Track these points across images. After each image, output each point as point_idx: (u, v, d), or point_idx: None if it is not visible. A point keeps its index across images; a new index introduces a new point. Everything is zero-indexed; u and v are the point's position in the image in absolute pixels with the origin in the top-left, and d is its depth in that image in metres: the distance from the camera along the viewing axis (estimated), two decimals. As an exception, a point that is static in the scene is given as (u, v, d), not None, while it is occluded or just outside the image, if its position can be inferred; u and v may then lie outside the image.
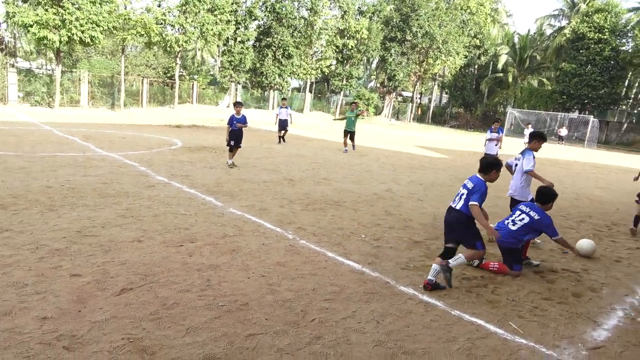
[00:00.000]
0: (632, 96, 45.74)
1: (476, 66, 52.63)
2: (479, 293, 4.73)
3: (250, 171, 10.60)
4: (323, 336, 3.57)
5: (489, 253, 5.67)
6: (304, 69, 38.34)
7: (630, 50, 41.76)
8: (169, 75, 36.08)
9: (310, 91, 45.07)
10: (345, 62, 42.23)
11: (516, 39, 52.49)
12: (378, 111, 47.71)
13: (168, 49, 29.15)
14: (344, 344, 3.49)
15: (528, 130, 27.27)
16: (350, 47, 40.11)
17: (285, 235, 6.04)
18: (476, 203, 4.68)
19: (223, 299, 4.03)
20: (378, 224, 7.02)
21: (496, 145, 13.63)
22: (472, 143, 28.21)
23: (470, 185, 4.84)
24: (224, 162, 11.21)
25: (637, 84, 44.64)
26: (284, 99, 19.91)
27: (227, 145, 11.03)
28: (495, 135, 13.67)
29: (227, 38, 32.80)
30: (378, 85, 52.13)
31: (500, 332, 3.93)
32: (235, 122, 10.98)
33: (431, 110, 54.73)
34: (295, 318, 3.82)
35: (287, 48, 35.78)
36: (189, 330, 3.47)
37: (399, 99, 55.50)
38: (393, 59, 44.10)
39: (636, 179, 8.54)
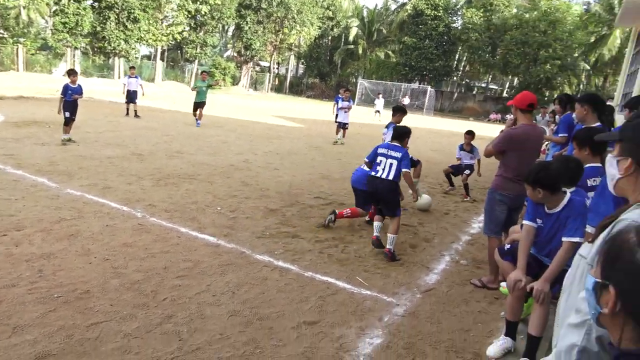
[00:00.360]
0: (461, 68, 51.86)
1: (330, 37, 54.49)
2: (330, 253, 5.02)
3: (92, 147, 9.61)
4: (175, 314, 3.46)
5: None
6: (153, 34, 35.64)
7: (459, 27, 47.07)
8: (-16, 37, 30.57)
9: (162, 59, 42.23)
10: (199, 28, 40.29)
11: (365, 13, 55.40)
12: (235, 81, 46.83)
13: (-20, 5, 24.55)
14: (198, 319, 3.43)
15: (378, 100, 29.35)
16: (203, 12, 38.29)
17: (133, 214, 5.65)
18: (408, 170, 5.10)
19: (59, 290, 3.63)
20: (234, 195, 6.97)
21: (346, 112, 14.36)
22: (327, 112, 29.37)
23: (397, 154, 5.11)
24: (58, 138, 9.96)
25: (464, 58, 50.62)
26: (132, 67, 17.90)
27: (65, 118, 9.83)
28: (346, 104, 14.41)
29: (58, -4, 28.80)
30: (235, 54, 50.96)
31: (348, 287, 4.23)
32: (70, 92, 9.81)
33: (288, 81, 55.50)
34: (145, 300, 3.63)
35: (132, 11, 32.76)
36: (15, 330, 3.06)
37: (257, 68, 55.10)
38: (249, 28, 43.38)
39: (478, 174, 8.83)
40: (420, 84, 47.97)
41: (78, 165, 7.78)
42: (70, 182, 6.71)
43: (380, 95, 30.91)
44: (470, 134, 8.61)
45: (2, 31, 31.56)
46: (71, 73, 10.19)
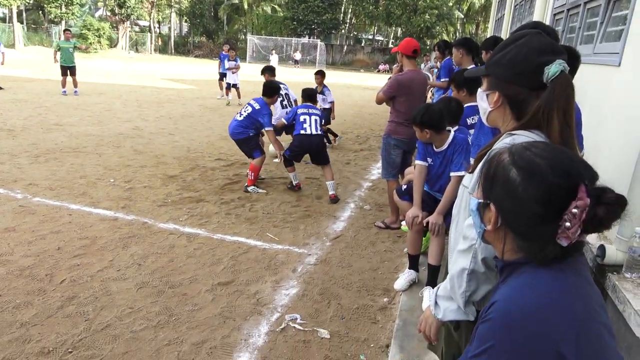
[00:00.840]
0: (348, 22, 52.52)
1: (212, -8, 51.65)
2: (238, 213, 4.98)
3: (-52, 126, 8.33)
4: (77, 295, 3.24)
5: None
6: (5, -8, 31.01)
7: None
8: None
9: (20, 21, 37.09)
10: (60, -16, 35.80)
11: (246, -36, 53.08)
12: (113, 43, 42.85)
13: None
14: (104, 296, 3.25)
15: (272, 57, 28.87)
16: (63, -34, 33.99)
17: (12, 195, 5.07)
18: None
19: None
20: (128, 165, 6.54)
21: (234, 73, 13.88)
22: (216, 71, 28.28)
23: (317, 111, 5.75)
24: None
25: (350, 10, 51.24)
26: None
27: None
28: (233, 63, 13.90)
29: None
30: (108, 13, 46.32)
31: (259, 244, 4.27)
32: None
33: (173, 40, 52.03)
34: (40, 285, 3.34)
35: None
36: None
37: (136, 28, 50.80)
38: (120, -17, 39.51)
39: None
40: (310, 38, 47.86)
41: None
42: None
43: (274, 52, 30.40)
44: (319, 74, 8.53)
45: None
46: None
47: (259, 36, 47.21)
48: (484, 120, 1.53)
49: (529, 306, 0.93)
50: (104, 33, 38.95)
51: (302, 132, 5.53)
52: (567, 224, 0.92)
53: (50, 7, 36.20)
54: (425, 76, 4.85)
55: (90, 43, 37.23)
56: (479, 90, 1.50)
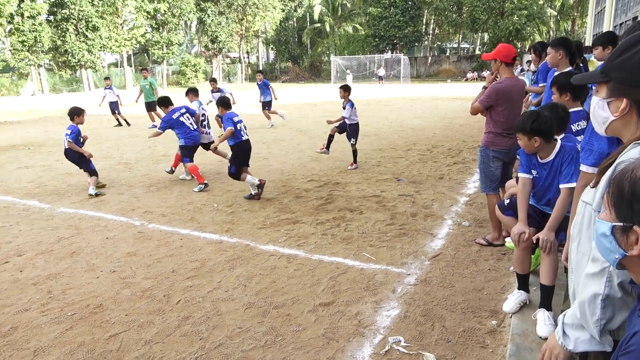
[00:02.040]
0: (431, 32, 51.71)
1: (295, 19, 53.79)
2: (334, 234, 5.05)
3: (76, 162, 9.45)
4: (192, 315, 3.47)
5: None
6: (116, 40, 34.89)
7: (422, -9, 46.76)
8: (-57, 66, 29.66)
9: (130, 64, 41.43)
10: (161, 28, 39.53)
11: (326, -11, 54.68)
12: (208, 76, 46.13)
13: None
14: (215, 316, 3.45)
15: (349, 76, 29.35)
16: (163, 11, 37.52)
17: (130, 223, 5.61)
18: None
19: (72, 308, 3.61)
20: (228, 190, 6.94)
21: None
22: (304, 94, 29.24)
23: (241, 118, 6.56)
24: (41, 159, 9.78)
25: (432, 21, 50.43)
26: (106, 78, 16.74)
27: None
28: (217, 95, 13.47)
29: (11, 14, 27.84)
30: (202, 49, 50.14)
31: (357, 264, 4.28)
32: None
33: (261, 68, 54.81)
34: (159, 305, 3.63)
35: (90, 19, 31.96)
36: (37, 353, 3.05)
37: (227, 60, 54.33)
38: (212, 20, 42.64)
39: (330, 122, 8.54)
40: (392, 53, 47.75)
41: (66, 183, 7.67)
42: (62, 201, 6.62)
43: (349, 71, 30.85)
44: (343, 89, 8.11)
45: (-40, 58, 30.65)
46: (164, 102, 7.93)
47: (342, 56, 48.08)
48: (601, 130, 1.41)
49: None
50: (199, 68, 42.14)
51: (245, 137, 6.50)
52: None
53: (154, 49, 39.99)
54: (523, 83, 4.60)
55: (188, 78, 40.47)
56: (596, 98, 1.39)
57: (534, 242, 3.10)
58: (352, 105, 7.92)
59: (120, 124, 15.53)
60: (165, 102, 7.68)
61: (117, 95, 15.63)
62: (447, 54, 53.90)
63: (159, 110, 9.66)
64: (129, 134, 13.71)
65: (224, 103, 6.58)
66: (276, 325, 3.30)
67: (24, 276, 4.21)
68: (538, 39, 41.24)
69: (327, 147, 8.30)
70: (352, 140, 8.00)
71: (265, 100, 14.23)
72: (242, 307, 3.56)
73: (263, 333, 3.21)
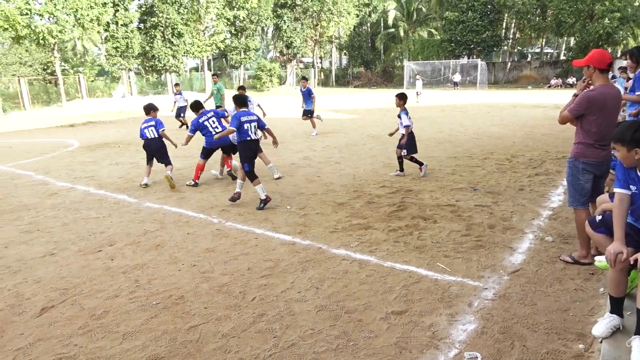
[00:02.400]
0: (511, 37, 49.50)
1: (368, 24, 53.76)
2: (406, 241, 4.97)
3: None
4: (266, 312, 3.57)
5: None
6: (198, 46, 36.80)
7: (503, -6, 44.83)
8: (49, 71, 32.83)
9: (209, 69, 43.53)
10: (239, 34, 41.14)
11: (402, -6, 54.16)
12: (282, 81, 47.38)
13: (41, 41, 26.32)
14: (288, 315, 3.52)
15: (418, 82, 28.77)
16: (242, 18, 39.06)
17: (209, 220, 5.88)
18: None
19: (156, 297, 3.85)
20: (301, 193, 7.06)
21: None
22: (376, 100, 29.11)
23: (254, 117, 6.41)
24: (130, 156, 10.54)
25: (512, 25, 48.25)
26: (176, 85, 17.47)
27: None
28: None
29: (108, 22, 30.31)
30: (277, 54, 51.55)
31: (430, 274, 4.18)
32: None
33: (333, 73, 55.38)
34: (235, 301, 3.77)
35: (175, 26, 33.98)
36: (125, 336, 3.29)
37: (301, 65, 55.42)
38: (287, 26, 43.71)
39: (391, 134, 8.55)
40: (469, 58, 46.26)
41: (152, 180, 8.19)
42: (148, 196, 7.08)
43: (418, 76, 30.20)
44: (398, 97, 7.83)
45: (63, 64, 33.72)
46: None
47: (415, 62, 47.35)
48: None
49: None
50: (274, 72, 43.35)
51: (249, 138, 6.32)
52: None
53: (232, 54, 41.72)
54: (618, 90, 4.27)
55: (263, 82, 41.79)
56: None
57: (632, 262, 2.85)
58: (407, 113, 7.68)
59: (184, 124, 16.05)
60: (194, 106, 8.16)
61: (186, 100, 16.29)
62: (529, 59, 51.26)
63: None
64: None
65: (238, 100, 6.52)
66: (348, 330, 3.30)
67: (115, 264, 4.55)
68: (632, 43, 38.06)
69: (401, 169, 8.05)
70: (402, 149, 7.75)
71: (307, 109, 13.70)
72: (315, 309, 3.60)
73: (335, 337, 3.23)
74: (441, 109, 21.31)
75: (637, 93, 5.83)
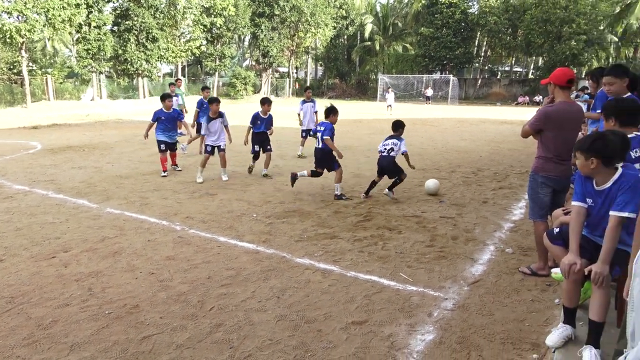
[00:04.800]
0: (482, 54, 50.83)
1: (345, 37, 54.28)
2: (370, 251, 4.96)
3: (127, 166, 9.85)
4: (224, 323, 3.47)
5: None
6: (173, 51, 36.37)
7: (476, 12, 46.12)
8: (15, 71, 31.81)
9: (184, 75, 43.05)
10: (215, 41, 40.89)
11: (378, 8, 54.97)
12: (257, 89, 47.22)
13: (8, 40, 25.51)
14: (246, 325, 3.44)
15: (389, 95, 29.12)
16: (219, 25, 38.83)
17: (172, 227, 5.74)
18: (328, 137, 7.23)
19: (109, 306, 3.71)
20: (268, 201, 6.99)
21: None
22: (350, 111, 29.29)
23: (321, 128, 7.42)
24: (94, 160, 10.25)
25: (484, 43, 49.58)
26: (171, 84, 14.71)
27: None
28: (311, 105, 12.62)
29: (80, 24, 29.65)
30: (253, 63, 51.42)
31: (393, 284, 4.17)
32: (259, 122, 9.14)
33: (308, 83, 55.54)
34: (193, 310, 3.66)
35: (150, 31, 33.51)
36: (73, 347, 3.14)
37: (276, 75, 55.43)
38: (265, 35, 43.69)
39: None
40: (441, 73, 47.22)
41: (115, 185, 7.98)
42: (109, 202, 6.88)
43: (390, 89, 30.55)
44: (395, 125, 7.28)
45: (31, 64, 32.77)
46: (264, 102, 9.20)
47: (389, 75, 48.01)
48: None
49: None
50: (249, 81, 43.17)
51: (316, 145, 7.40)
52: None
53: (207, 61, 41.37)
54: (579, 107, 4.39)
55: (237, 90, 41.57)
56: None
57: (586, 273, 2.91)
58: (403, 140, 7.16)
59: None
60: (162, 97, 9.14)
61: (179, 104, 15.68)
62: (498, 76, 52.67)
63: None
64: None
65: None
66: (307, 340, 3.25)
67: (68, 272, 4.37)
68: (596, 64, 39.63)
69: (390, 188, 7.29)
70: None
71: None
72: (274, 319, 3.53)
73: (293, 347, 3.17)
74: (412, 123, 21.60)
75: (597, 111, 6.02)
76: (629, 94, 4.21)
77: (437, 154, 11.89)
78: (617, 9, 41.28)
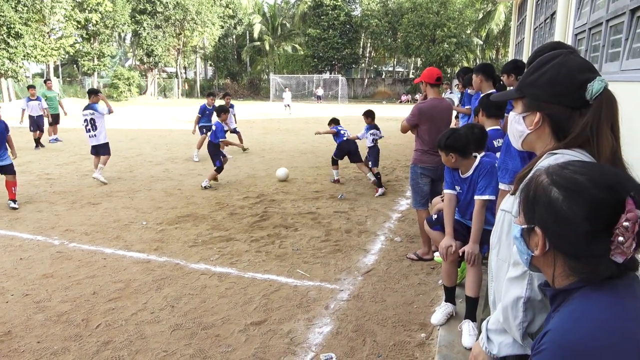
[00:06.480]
0: (367, 55, 53.39)
1: (234, 36, 53.54)
2: (268, 251, 4.97)
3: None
4: (113, 339, 3.25)
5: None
6: (42, 49, 32.88)
7: (359, 15, 48.31)
8: None
9: (57, 75, 39.22)
10: (92, 39, 37.83)
11: (266, 8, 55.05)
12: (142, 90, 44.62)
13: None
14: (138, 340, 3.25)
15: (286, 94, 29.59)
16: (94, 22, 35.95)
17: (49, 242, 5.22)
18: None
19: (-26, 337, 3.27)
20: (159, 207, 6.66)
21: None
22: (242, 112, 28.98)
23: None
24: None
25: (369, 44, 52.12)
26: (31, 87, 13.49)
27: None
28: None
29: None
30: (137, 62, 48.48)
31: (290, 281, 4.23)
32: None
33: (198, 84, 53.87)
34: (77, 330, 3.37)
35: (12, 26, 29.95)
36: None
37: (164, 75, 52.87)
38: (147, 33, 41.45)
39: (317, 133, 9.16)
40: (331, 73, 48.72)
41: (-24, 200, 7.02)
42: (-31, 219, 6.04)
43: (287, 89, 31.08)
44: (365, 114, 8.24)
45: None
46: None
47: (281, 75, 48.37)
48: (517, 144, 1.48)
49: (585, 336, 0.88)
50: (133, 81, 40.59)
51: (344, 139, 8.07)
52: (620, 238, 0.89)
53: (84, 60, 38.11)
54: (449, 103, 4.84)
55: (121, 92, 38.91)
56: (513, 113, 1.46)
57: (460, 255, 3.21)
58: (372, 128, 7.88)
59: (38, 147, 12.94)
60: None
61: (46, 109, 14.06)
62: (383, 76, 55.75)
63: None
64: (51, 147, 12.85)
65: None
66: (204, 347, 3.17)
67: None
68: (466, 64, 43.81)
69: (379, 185, 7.54)
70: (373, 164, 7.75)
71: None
72: (169, 330, 3.39)
73: (190, 356, 3.07)
74: (305, 121, 22.02)
75: (466, 107, 6.67)
76: (493, 90, 4.73)
77: (330, 151, 12.21)
78: (480, 15, 45.96)
